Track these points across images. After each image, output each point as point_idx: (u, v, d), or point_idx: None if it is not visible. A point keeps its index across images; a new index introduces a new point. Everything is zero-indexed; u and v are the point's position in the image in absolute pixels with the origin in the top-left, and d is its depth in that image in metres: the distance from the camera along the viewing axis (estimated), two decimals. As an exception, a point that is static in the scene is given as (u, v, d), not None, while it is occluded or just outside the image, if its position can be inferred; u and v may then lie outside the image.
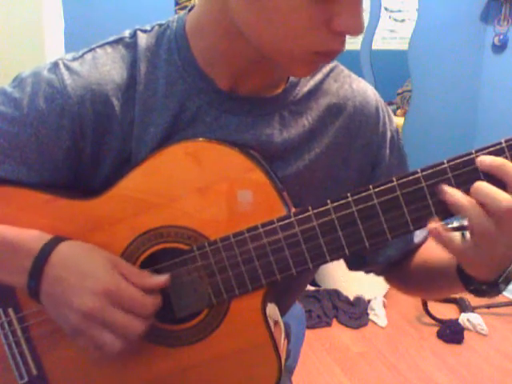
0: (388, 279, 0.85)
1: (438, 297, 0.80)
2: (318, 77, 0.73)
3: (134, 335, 0.60)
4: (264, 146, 0.68)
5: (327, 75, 0.74)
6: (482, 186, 0.54)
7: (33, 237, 0.63)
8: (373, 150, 0.75)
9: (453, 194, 0.55)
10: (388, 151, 0.76)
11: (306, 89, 0.72)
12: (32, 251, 0.61)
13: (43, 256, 0.61)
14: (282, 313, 0.73)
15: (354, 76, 0.76)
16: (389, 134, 0.76)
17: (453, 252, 0.58)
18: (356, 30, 0.56)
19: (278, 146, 0.69)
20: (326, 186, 0.72)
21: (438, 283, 0.73)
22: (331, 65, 0.75)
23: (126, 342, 0.60)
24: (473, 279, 0.62)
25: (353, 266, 0.82)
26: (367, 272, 0.83)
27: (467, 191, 0.55)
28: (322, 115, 0.72)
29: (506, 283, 0.62)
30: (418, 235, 0.78)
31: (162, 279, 0.62)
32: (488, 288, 0.62)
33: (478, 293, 0.63)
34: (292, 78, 0.71)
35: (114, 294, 0.59)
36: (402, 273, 0.80)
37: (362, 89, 0.75)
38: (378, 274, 0.83)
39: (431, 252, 0.77)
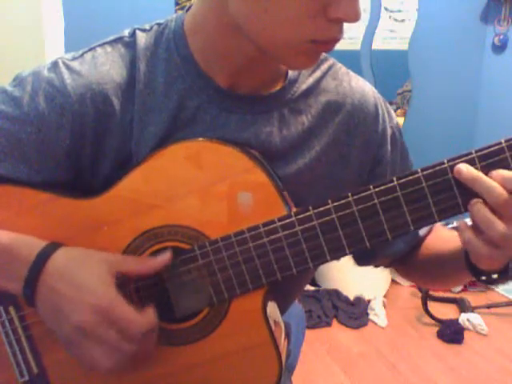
0: (396, 270, 0.86)
1: (446, 286, 0.81)
2: (317, 74, 0.73)
3: (123, 356, 0.59)
4: (264, 144, 0.68)
5: (326, 73, 0.74)
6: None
7: (29, 243, 0.63)
8: (372, 148, 0.75)
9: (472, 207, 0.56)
10: (390, 148, 0.76)
11: (304, 86, 0.72)
12: (28, 259, 0.61)
13: (39, 264, 0.60)
14: (282, 312, 0.73)
15: (352, 74, 0.76)
16: (389, 131, 0.76)
17: (474, 251, 0.58)
18: (353, 17, 0.56)
19: (278, 145, 0.69)
20: (326, 185, 0.72)
21: (447, 273, 0.74)
22: (329, 63, 0.75)
23: (115, 361, 0.59)
24: (483, 271, 0.62)
25: (361, 261, 0.81)
26: (376, 266, 0.83)
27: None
28: (321, 113, 0.72)
29: None
30: (423, 229, 0.78)
31: (165, 257, 0.62)
32: (499, 276, 0.62)
33: (490, 282, 0.63)
34: (290, 76, 0.71)
35: (108, 311, 0.58)
36: (410, 264, 0.80)
37: (361, 87, 0.75)
38: (387, 266, 0.84)
39: (437, 243, 0.77)
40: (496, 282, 0.63)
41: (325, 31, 0.58)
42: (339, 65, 0.76)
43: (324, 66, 0.74)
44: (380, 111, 0.75)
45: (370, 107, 0.74)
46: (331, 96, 0.73)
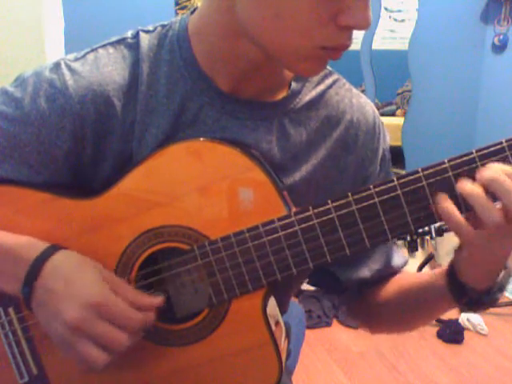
0: (354, 310, 0.83)
1: (417, 322, 0.75)
2: (320, 88, 0.73)
3: (118, 349, 0.59)
4: (263, 153, 0.68)
5: (329, 87, 0.74)
6: (498, 176, 0.53)
7: (28, 245, 0.63)
8: (365, 165, 0.75)
9: (463, 185, 0.55)
10: (378, 168, 0.76)
11: (307, 98, 0.72)
12: (27, 260, 0.61)
13: (37, 265, 0.60)
14: (282, 310, 0.73)
15: (355, 91, 0.76)
16: (380, 152, 0.76)
17: (462, 237, 0.57)
18: (363, 25, 0.56)
19: (276, 156, 0.69)
20: (321, 199, 0.72)
21: (422, 305, 0.71)
22: (334, 77, 0.75)
23: (110, 357, 0.59)
24: (466, 288, 0.62)
25: (326, 286, 0.81)
26: (330, 292, 0.81)
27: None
28: (321, 127, 0.72)
29: (501, 291, 0.62)
30: (397, 260, 0.78)
31: (157, 301, 0.62)
32: (483, 296, 0.61)
33: (471, 305, 0.63)
34: (294, 87, 0.71)
35: (103, 306, 0.58)
36: (374, 301, 0.77)
37: (362, 104, 0.75)
38: (343, 301, 0.82)
39: (409, 277, 0.76)
40: (479, 305, 0.62)
41: (335, 38, 0.57)
42: (343, 80, 0.76)
43: (328, 81, 0.74)
44: (377, 131, 0.76)
45: (368, 125, 0.75)
46: (331, 111, 0.73)
